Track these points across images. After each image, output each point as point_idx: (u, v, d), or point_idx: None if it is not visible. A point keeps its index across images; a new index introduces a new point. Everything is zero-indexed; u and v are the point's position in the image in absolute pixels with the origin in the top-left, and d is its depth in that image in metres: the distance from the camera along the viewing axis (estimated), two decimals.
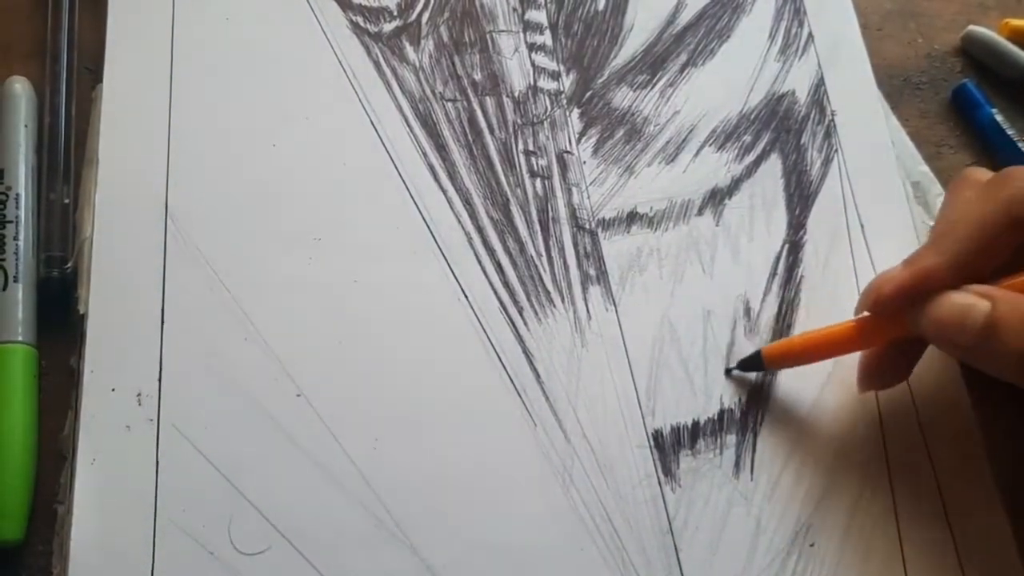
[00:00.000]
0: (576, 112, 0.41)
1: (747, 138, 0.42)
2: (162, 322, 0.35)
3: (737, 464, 0.36)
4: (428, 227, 0.38)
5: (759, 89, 0.43)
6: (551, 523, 0.34)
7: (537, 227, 0.39)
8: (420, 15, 0.42)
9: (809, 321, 0.38)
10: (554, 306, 0.37)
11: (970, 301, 0.31)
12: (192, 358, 0.34)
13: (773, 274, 0.39)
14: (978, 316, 0.30)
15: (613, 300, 0.38)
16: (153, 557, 0.32)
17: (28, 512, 0.33)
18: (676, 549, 0.34)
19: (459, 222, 0.38)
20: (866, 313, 0.35)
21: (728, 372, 0.37)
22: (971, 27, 0.46)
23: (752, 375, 0.37)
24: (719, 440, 0.36)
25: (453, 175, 0.39)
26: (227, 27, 0.40)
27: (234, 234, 0.36)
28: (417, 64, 0.41)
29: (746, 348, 0.38)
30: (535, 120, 0.41)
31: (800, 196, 0.41)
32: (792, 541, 0.35)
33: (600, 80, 0.42)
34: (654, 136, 0.41)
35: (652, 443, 0.36)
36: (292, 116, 0.39)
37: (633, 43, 0.43)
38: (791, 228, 0.40)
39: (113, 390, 0.33)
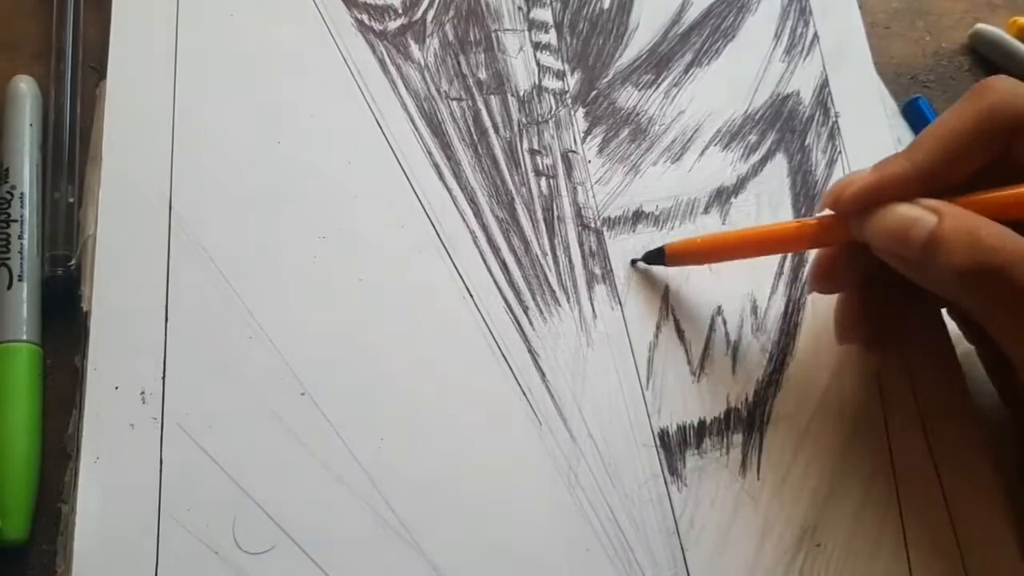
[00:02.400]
0: (581, 111, 0.41)
1: (752, 138, 0.42)
2: (166, 320, 0.35)
3: (743, 463, 0.36)
4: (433, 226, 0.38)
5: (764, 89, 0.43)
6: (556, 523, 0.34)
7: (542, 226, 0.39)
8: (425, 13, 0.42)
9: (815, 319, 0.38)
10: (559, 305, 0.37)
11: (916, 214, 0.30)
12: (196, 356, 0.34)
13: (779, 273, 0.39)
14: (922, 230, 0.30)
15: (619, 299, 0.38)
16: (157, 556, 0.31)
17: (32, 511, 0.32)
18: (682, 549, 0.34)
19: (464, 221, 0.38)
20: (827, 212, 0.34)
21: (633, 263, 0.38)
22: (979, 25, 0.46)
23: (657, 270, 0.38)
24: (725, 439, 0.36)
25: (458, 174, 0.39)
26: (231, 24, 0.40)
27: (238, 232, 0.36)
28: (422, 62, 0.41)
29: (753, 347, 0.38)
30: (540, 119, 0.41)
31: (806, 196, 0.41)
32: (799, 541, 0.35)
33: (605, 79, 0.42)
34: (659, 135, 0.41)
35: (658, 442, 0.36)
36: (296, 114, 0.39)
37: (638, 42, 0.43)
38: None
39: (117, 388, 0.33)
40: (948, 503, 0.36)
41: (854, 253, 0.34)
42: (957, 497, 0.36)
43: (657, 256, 0.37)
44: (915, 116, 0.43)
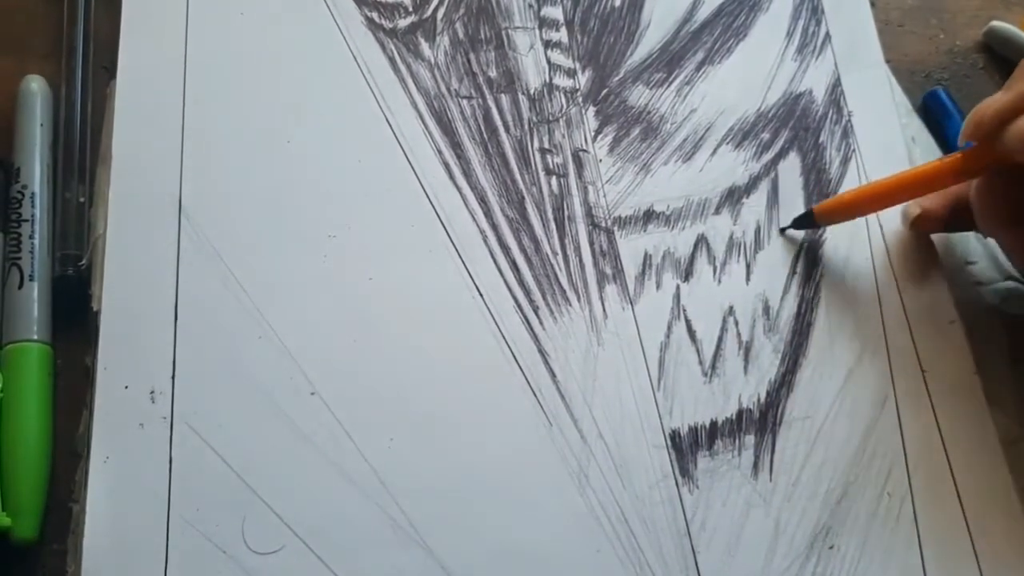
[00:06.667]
0: (592, 110, 0.41)
1: (765, 135, 0.41)
2: (176, 319, 0.35)
3: (755, 465, 0.35)
4: (443, 225, 0.38)
5: (776, 88, 0.43)
6: (567, 524, 0.34)
7: (552, 225, 0.38)
8: (435, 11, 0.42)
9: (828, 319, 0.38)
10: (570, 305, 0.37)
11: None
12: (206, 356, 0.34)
13: (792, 272, 0.39)
14: None
15: (630, 299, 0.38)
16: (167, 556, 0.31)
17: (43, 511, 0.32)
18: (694, 551, 0.34)
19: (474, 220, 0.38)
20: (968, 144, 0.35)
21: (782, 231, 0.40)
22: (993, 22, 0.45)
23: (801, 234, 0.40)
24: (737, 440, 0.36)
25: (468, 173, 0.39)
26: (241, 23, 0.40)
27: (248, 231, 0.36)
28: (432, 61, 0.41)
29: (765, 347, 0.37)
30: (551, 118, 0.40)
31: (820, 194, 0.41)
32: (811, 543, 0.34)
33: (616, 78, 0.42)
34: (671, 134, 0.41)
35: (669, 443, 0.35)
36: (306, 113, 0.39)
37: (649, 40, 0.43)
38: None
39: (127, 388, 0.33)
40: (963, 504, 0.36)
41: (1006, 183, 0.35)
42: (972, 498, 0.36)
43: (806, 220, 0.38)
44: (936, 107, 0.43)
